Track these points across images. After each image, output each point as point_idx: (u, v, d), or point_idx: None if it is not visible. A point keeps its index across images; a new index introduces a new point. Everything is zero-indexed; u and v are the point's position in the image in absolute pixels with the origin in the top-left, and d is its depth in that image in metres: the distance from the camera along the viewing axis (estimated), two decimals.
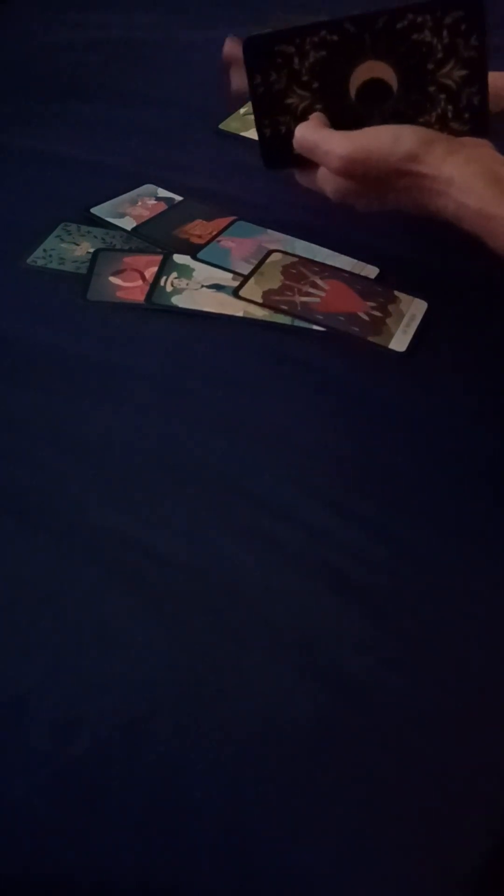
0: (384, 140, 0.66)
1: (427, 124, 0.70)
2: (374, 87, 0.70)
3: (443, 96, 0.70)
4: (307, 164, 0.71)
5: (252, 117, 0.74)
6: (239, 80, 0.75)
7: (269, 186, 0.91)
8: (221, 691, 0.53)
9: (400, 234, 0.84)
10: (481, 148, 0.67)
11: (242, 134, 1.00)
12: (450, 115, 0.70)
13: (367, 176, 0.67)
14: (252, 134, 0.99)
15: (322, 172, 0.70)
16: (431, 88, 0.70)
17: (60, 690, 0.54)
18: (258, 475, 0.65)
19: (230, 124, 1.02)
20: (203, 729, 0.52)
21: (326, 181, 0.70)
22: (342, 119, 0.70)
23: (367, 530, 0.61)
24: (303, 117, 0.72)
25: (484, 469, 0.66)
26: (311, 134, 0.70)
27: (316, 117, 0.71)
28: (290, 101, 0.72)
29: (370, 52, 0.69)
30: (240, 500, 0.63)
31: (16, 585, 0.59)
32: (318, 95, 0.71)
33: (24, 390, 0.71)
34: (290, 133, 0.71)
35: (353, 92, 0.71)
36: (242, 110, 1.03)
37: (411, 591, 0.58)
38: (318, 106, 0.72)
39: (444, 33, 0.68)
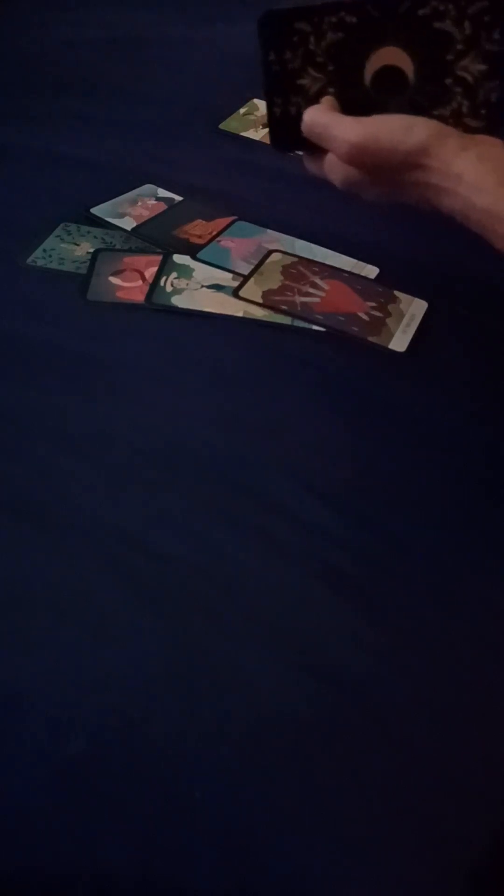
0: (396, 129, 0.64)
1: (441, 117, 0.68)
2: (390, 74, 0.68)
3: (459, 90, 0.68)
4: (316, 148, 0.68)
5: (252, 117, 0.73)
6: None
7: (269, 186, 0.91)
8: (218, 688, 0.53)
9: (400, 233, 0.84)
10: (494, 147, 0.65)
11: (242, 134, 1.00)
12: (465, 109, 0.68)
13: (375, 166, 0.65)
14: (252, 134, 1.00)
15: (330, 159, 0.67)
16: (448, 81, 0.68)
17: (58, 688, 0.54)
18: (257, 473, 0.65)
19: (230, 124, 1.03)
20: (200, 726, 0.52)
21: (334, 169, 0.67)
22: (354, 105, 0.68)
23: (364, 528, 0.61)
24: (315, 100, 0.69)
25: (483, 468, 0.66)
26: (321, 117, 0.67)
27: (327, 101, 0.69)
28: (303, 81, 0.69)
29: (389, 38, 0.67)
30: (239, 497, 0.63)
31: (13, 583, 0.59)
32: (331, 78, 0.69)
33: (24, 389, 0.71)
34: (301, 115, 0.68)
35: (367, 78, 0.68)
36: (242, 110, 1.04)
37: (408, 588, 0.58)
38: (332, 89, 0.69)
39: (467, 24, 0.66)
